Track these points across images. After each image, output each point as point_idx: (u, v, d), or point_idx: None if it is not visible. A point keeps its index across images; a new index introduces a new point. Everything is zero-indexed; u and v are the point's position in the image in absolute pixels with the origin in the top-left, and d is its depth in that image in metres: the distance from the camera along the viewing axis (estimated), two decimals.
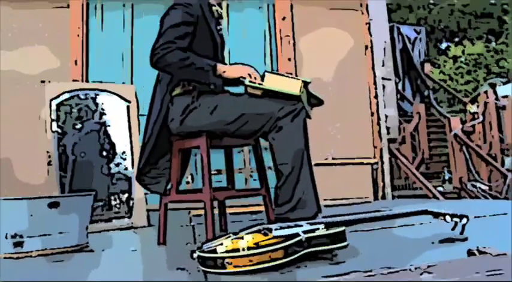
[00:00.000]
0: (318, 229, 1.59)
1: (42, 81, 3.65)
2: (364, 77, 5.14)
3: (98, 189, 3.12)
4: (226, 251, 1.46)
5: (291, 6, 5.17)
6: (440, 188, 6.17)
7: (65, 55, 4.71)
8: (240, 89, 2.17)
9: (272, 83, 2.03)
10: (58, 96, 3.25)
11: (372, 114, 5.12)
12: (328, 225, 1.63)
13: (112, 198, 3.50)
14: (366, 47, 5.24)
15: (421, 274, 1.08)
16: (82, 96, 3.56)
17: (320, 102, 2.24)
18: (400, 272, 1.10)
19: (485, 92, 6.72)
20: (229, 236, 1.58)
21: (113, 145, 3.60)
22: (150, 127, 2.22)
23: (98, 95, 3.54)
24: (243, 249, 1.44)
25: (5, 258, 2.06)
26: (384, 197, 5.03)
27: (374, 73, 5.12)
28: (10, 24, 4.76)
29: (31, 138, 3.92)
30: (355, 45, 5.23)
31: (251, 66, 2.12)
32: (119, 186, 3.54)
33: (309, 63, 5.06)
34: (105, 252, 2.28)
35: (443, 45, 17.15)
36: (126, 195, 3.50)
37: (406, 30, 8.25)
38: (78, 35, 4.85)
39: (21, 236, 2.09)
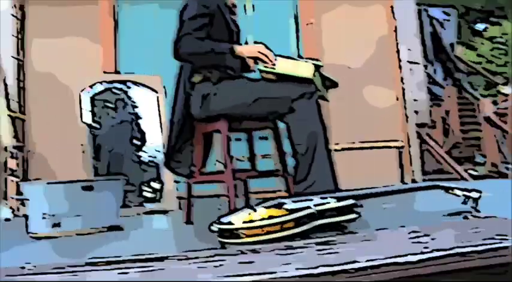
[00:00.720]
0: (328, 202, 1.70)
1: (75, 75, 3.88)
2: (389, 61, 5.16)
3: (129, 176, 3.32)
4: (243, 222, 1.60)
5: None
6: (472, 171, 6.13)
7: (96, 48, 4.94)
8: (256, 75, 2.29)
9: (285, 67, 2.14)
10: (90, 87, 3.45)
11: (398, 98, 5.14)
12: (339, 199, 1.74)
13: (144, 185, 3.71)
14: (390, 31, 5.25)
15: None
16: (113, 88, 3.78)
17: (334, 84, 2.33)
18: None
19: None
20: (245, 210, 1.72)
21: (143, 134, 3.79)
22: (174, 114, 2.37)
23: (128, 86, 3.74)
24: (256, 221, 1.57)
25: (44, 237, 2.26)
26: (414, 182, 5.06)
27: (399, 57, 5.13)
28: (42, 20, 5.03)
29: (67, 128, 4.15)
30: (380, 30, 5.25)
31: (264, 44, 2.24)
32: (150, 173, 3.74)
33: (334, 49, 5.10)
34: (135, 231, 2.46)
35: (480, 26, 16.70)
36: (157, 181, 3.69)
37: (435, 13, 8.14)
38: (108, 32, 5.07)
39: (58, 217, 2.28)
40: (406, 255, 0.97)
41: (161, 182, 3.64)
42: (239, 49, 2.22)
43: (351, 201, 1.70)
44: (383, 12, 5.30)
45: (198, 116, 2.33)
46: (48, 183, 2.31)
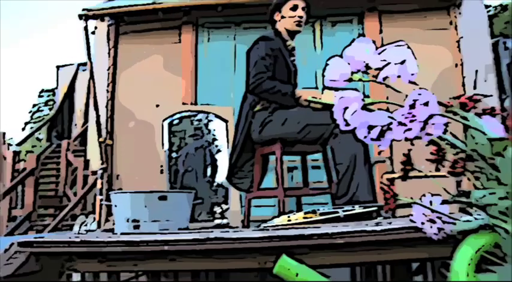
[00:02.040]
0: (355, 209, 2.09)
1: (157, 105, 4.54)
2: (454, 94, 5.39)
3: (200, 193, 3.86)
4: (284, 223, 2.03)
5: (380, 30, 5.62)
6: None
7: (178, 82, 5.65)
8: None
9: (330, 97, 2.57)
10: (169, 117, 4.06)
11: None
12: (365, 207, 2.13)
13: (215, 205, 4.23)
14: (456, 65, 5.49)
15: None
16: (190, 118, 4.38)
17: None
18: None
19: None
20: (286, 215, 2.15)
21: (215, 161, 4.34)
22: (237, 137, 2.87)
23: (203, 116, 4.33)
24: (292, 220, 2.00)
25: None
26: None
27: (464, 90, 5.35)
28: (131, 57, 5.84)
29: (147, 152, 4.81)
30: (446, 64, 5.50)
31: (316, 89, 2.70)
32: (219, 195, 4.26)
33: (399, 84, 5.43)
34: None
35: None
36: (225, 202, 4.20)
37: None
38: (188, 66, 5.78)
39: (138, 221, 2.82)
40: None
41: (227, 207, 4.15)
42: (298, 93, 2.68)
43: (374, 208, 2.07)
44: (448, 46, 5.57)
45: (257, 139, 2.80)
46: (131, 192, 2.87)
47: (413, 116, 0.56)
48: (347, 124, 0.67)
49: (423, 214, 0.88)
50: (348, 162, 2.48)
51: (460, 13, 5.72)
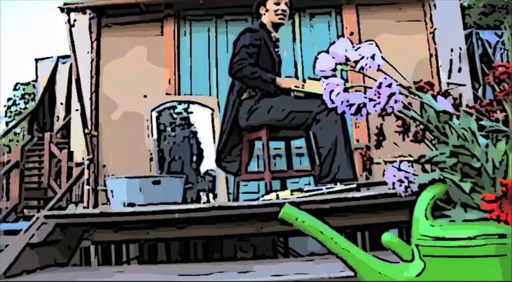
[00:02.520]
0: (337, 186, 2.33)
1: (145, 96, 4.73)
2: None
3: (189, 177, 4.07)
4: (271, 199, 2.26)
5: (358, 21, 5.87)
6: None
7: (161, 74, 5.83)
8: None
9: (312, 87, 2.81)
10: (157, 107, 4.26)
11: None
12: (346, 185, 2.37)
13: (200, 193, 4.44)
14: (431, 55, 5.78)
15: None
16: (175, 108, 4.57)
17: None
18: None
19: None
20: (275, 193, 2.38)
21: (201, 150, 4.55)
22: (225, 124, 3.09)
23: (188, 106, 4.53)
24: (279, 198, 2.24)
25: None
26: None
27: (439, 79, 5.65)
28: (114, 49, 5.99)
29: (139, 139, 4.99)
30: (422, 54, 5.80)
31: (297, 78, 2.93)
32: (205, 183, 4.48)
33: (376, 74, 5.71)
34: None
35: None
36: (212, 191, 4.42)
37: (486, 35, 8.55)
38: (171, 59, 5.95)
39: (134, 204, 3.03)
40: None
41: (215, 194, 4.37)
42: (279, 80, 2.91)
43: (354, 186, 2.32)
44: (423, 37, 5.86)
45: (245, 126, 3.03)
46: (126, 177, 3.08)
47: (379, 93, 0.80)
48: (332, 102, 0.90)
49: (393, 175, 1.13)
50: (330, 145, 2.73)
51: (434, 5, 6.00)
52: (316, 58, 0.97)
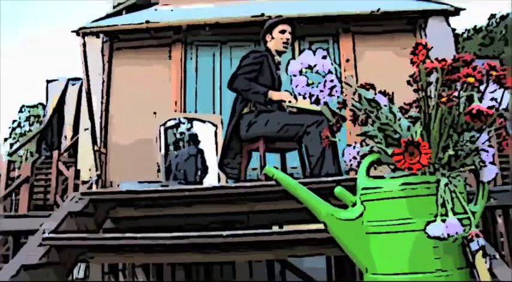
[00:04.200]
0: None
1: (155, 113, 5.21)
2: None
3: None
4: None
5: (354, 49, 6.39)
6: None
7: (168, 96, 6.33)
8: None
9: (303, 103, 3.28)
10: (165, 123, 4.73)
11: None
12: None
13: None
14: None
15: None
16: (181, 126, 5.04)
17: (342, 118, 3.42)
18: None
19: None
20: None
21: (206, 166, 5.00)
22: (228, 134, 3.55)
23: (192, 125, 5.00)
24: None
25: None
26: None
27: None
28: (124, 71, 6.52)
29: (146, 155, 5.44)
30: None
31: (288, 91, 3.40)
32: None
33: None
34: None
35: None
36: None
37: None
38: (177, 81, 6.46)
39: None
40: None
41: None
42: (271, 94, 3.39)
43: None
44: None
45: (245, 137, 3.49)
46: (139, 182, 3.51)
47: (325, 86, 1.26)
48: (299, 94, 1.36)
49: (349, 154, 1.57)
50: (319, 154, 3.18)
51: (425, 34, 6.53)
52: (288, 62, 1.44)
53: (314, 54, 1.40)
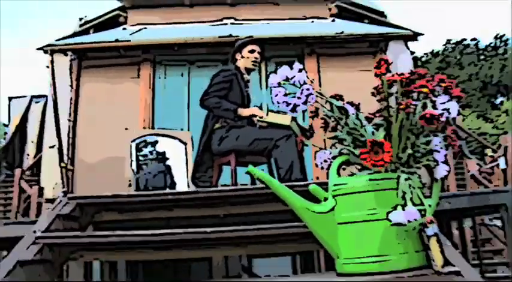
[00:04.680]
0: None
1: (126, 128, 5.32)
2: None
3: None
4: None
5: (318, 70, 6.69)
6: None
7: (136, 114, 6.45)
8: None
9: (273, 118, 3.49)
10: (135, 139, 4.86)
11: None
12: None
13: None
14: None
15: None
16: (150, 144, 5.17)
17: (309, 132, 3.66)
18: None
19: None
20: None
21: (174, 183, 5.13)
22: (201, 149, 3.71)
23: (162, 140, 5.14)
24: None
25: None
26: None
27: None
28: (92, 89, 6.61)
29: (115, 172, 5.53)
30: (374, 103, 6.60)
31: (258, 107, 3.61)
32: None
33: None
34: None
35: (498, 100, 18.02)
36: None
37: None
38: (146, 99, 6.60)
39: None
40: None
41: None
42: (240, 111, 3.59)
43: None
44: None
45: (216, 151, 3.66)
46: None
47: (302, 94, 1.47)
48: (278, 103, 1.57)
49: (320, 157, 1.78)
50: (288, 166, 3.38)
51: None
52: (268, 74, 1.66)
53: (291, 68, 1.61)
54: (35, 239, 1.73)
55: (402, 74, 1.51)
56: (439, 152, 1.56)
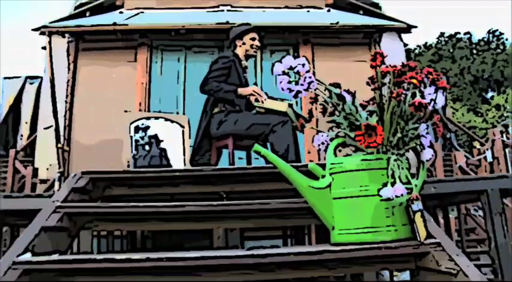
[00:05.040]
0: None
1: (125, 111, 5.48)
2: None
3: None
4: None
5: (313, 59, 6.87)
6: None
7: (133, 97, 6.60)
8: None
9: (270, 104, 3.67)
10: (133, 122, 5.01)
11: None
12: None
13: None
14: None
15: None
16: (148, 123, 5.33)
17: (305, 119, 3.84)
18: None
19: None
20: None
21: (169, 164, 5.29)
22: (200, 131, 3.89)
23: (159, 122, 5.30)
24: None
25: None
26: None
27: None
28: (89, 71, 6.74)
29: (111, 153, 5.68)
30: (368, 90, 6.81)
31: (256, 85, 3.79)
32: None
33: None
34: None
35: (489, 95, 18.30)
36: None
37: None
38: (142, 83, 6.74)
39: None
40: None
41: None
42: (240, 90, 3.77)
43: None
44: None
45: (214, 135, 3.84)
46: None
47: (304, 81, 1.65)
48: (282, 89, 1.75)
49: (318, 140, 1.97)
50: (283, 151, 3.57)
51: (379, 48, 7.09)
52: (272, 64, 1.83)
53: (294, 58, 1.80)
54: (55, 208, 1.91)
55: (395, 66, 1.70)
56: (425, 137, 1.75)
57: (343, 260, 1.64)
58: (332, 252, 1.62)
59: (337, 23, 6.72)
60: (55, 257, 1.64)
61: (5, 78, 9.53)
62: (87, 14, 7.79)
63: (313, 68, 6.84)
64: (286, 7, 7.62)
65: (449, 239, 1.72)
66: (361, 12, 7.97)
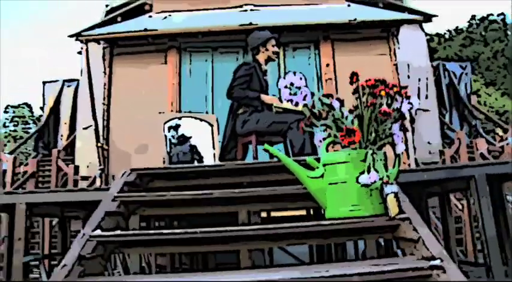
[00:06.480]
0: None
1: (160, 112, 6.14)
2: None
3: None
4: None
5: (333, 54, 7.39)
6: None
7: (164, 98, 7.27)
8: None
9: (287, 105, 4.24)
10: (168, 121, 5.66)
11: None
12: None
13: None
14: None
15: None
16: (179, 123, 5.98)
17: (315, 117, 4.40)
18: None
19: None
20: None
21: (201, 156, 5.94)
22: (227, 131, 4.50)
23: (191, 121, 5.94)
24: None
25: None
26: None
27: None
28: (124, 75, 7.43)
29: (147, 149, 6.37)
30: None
31: (275, 96, 4.37)
32: None
33: (347, 99, 7.20)
34: None
35: None
36: None
37: (451, 67, 10.12)
38: (173, 84, 7.40)
39: None
40: None
41: None
42: (262, 97, 4.35)
43: None
44: (389, 69, 7.37)
45: (240, 132, 4.44)
46: None
47: (301, 94, 2.24)
48: (285, 99, 2.35)
49: (317, 138, 2.55)
50: (300, 145, 4.14)
51: (397, 41, 7.56)
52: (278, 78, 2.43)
53: (295, 75, 2.38)
54: (113, 197, 2.54)
55: (369, 80, 2.26)
56: (398, 135, 2.31)
57: (333, 231, 2.22)
58: (324, 225, 2.20)
59: (355, 19, 7.20)
60: (118, 232, 2.27)
61: (44, 82, 10.35)
62: (119, 19, 8.49)
63: (334, 62, 7.37)
64: (307, 4, 8.13)
65: (418, 215, 2.28)
66: (381, 5, 8.43)
